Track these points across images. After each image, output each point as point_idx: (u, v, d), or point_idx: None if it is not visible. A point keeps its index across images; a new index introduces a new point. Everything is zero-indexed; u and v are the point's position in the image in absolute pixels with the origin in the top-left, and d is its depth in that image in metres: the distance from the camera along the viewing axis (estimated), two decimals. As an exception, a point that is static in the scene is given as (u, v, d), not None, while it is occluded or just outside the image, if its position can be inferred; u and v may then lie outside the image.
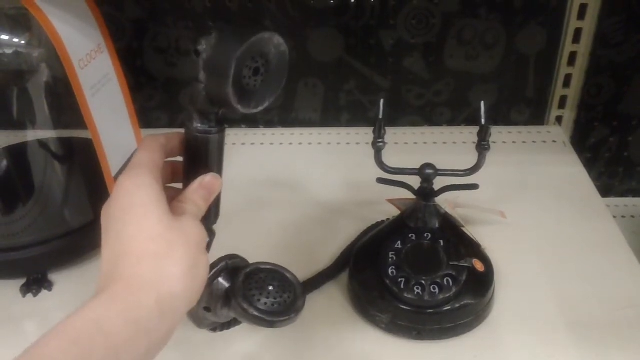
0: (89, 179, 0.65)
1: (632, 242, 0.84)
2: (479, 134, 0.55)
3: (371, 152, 0.58)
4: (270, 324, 0.43)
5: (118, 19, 0.80)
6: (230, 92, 0.37)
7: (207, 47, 0.37)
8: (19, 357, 0.30)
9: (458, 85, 0.86)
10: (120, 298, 0.34)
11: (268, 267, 0.46)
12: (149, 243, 0.36)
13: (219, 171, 0.43)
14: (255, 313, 0.42)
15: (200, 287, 0.38)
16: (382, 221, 0.65)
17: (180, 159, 0.44)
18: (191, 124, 0.41)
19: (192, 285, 0.37)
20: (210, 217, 0.43)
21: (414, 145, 0.85)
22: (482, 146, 0.55)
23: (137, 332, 0.33)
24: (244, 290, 0.43)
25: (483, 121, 0.55)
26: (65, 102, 0.60)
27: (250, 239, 0.64)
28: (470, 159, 0.57)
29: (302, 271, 0.62)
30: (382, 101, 0.57)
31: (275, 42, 0.38)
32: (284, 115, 0.89)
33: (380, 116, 0.56)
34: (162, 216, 0.37)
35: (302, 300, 0.45)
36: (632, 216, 0.91)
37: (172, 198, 0.41)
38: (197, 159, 0.42)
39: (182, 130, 0.42)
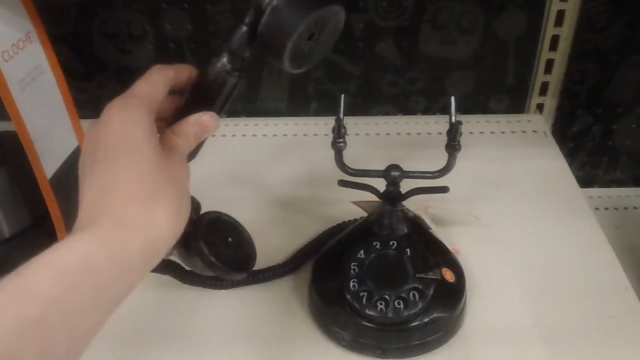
0: (23, 180, 0.58)
1: (615, 237, 0.80)
2: (449, 132, 0.50)
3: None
4: (225, 274, 0.43)
5: (62, 2, 0.74)
6: (289, 47, 0.38)
7: None
8: (2, 286, 0.29)
9: (433, 72, 0.80)
10: (108, 237, 0.34)
11: (229, 219, 0.46)
12: (139, 183, 0.36)
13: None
14: (213, 259, 0.42)
15: (182, 229, 0.38)
16: (349, 221, 0.61)
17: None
18: (217, 61, 0.41)
19: (176, 228, 0.37)
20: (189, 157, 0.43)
21: (386, 137, 0.80)
22: (453, 146, 0.50)
23: (121, 271, 0.33)
24: (205, 236, 0.43)
25: (453, 119, 0.50)
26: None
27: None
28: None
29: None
30: (342, 97, 0.51)
31: (339, 18, 0.40)
32: (248, 104, 0.83)
33: (341, 115, 0.51)
34: (153, 155, 0.37)
35: (253, 263, 0.46)
36: (616, 208, 0.87)
37: (160, 130, 0.40)
38: (205, 98, 0.42)
39: (189, 66, 0.42)
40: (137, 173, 0.36)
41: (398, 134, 0.80)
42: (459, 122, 0.50)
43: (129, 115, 0.37)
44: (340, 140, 0.51)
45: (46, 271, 0.31)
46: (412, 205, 0.58)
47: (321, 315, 0.53)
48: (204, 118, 0.41)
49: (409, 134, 0.80)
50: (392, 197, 0.54)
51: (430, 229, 0.59)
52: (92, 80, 0.80)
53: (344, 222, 0.62)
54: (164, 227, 0.36)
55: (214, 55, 0.41)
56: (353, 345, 0.51)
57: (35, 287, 0.30)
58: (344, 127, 0.51)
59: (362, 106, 0.83)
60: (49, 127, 0.56)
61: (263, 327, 0.54)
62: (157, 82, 0.40)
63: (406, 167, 0.54)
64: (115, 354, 0.51)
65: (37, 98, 0.54)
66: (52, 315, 0.29)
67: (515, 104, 0.83)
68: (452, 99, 0.49)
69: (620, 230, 0.82)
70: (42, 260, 0.31)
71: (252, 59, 0.42)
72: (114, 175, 0.35)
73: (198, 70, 0.43)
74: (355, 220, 0.60)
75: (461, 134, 0.49)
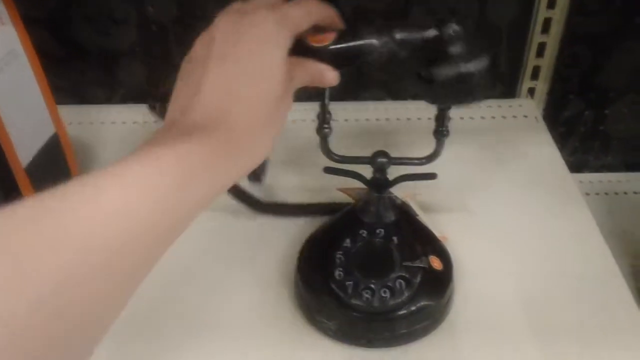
0: None
1: (606, 222, 0.79)
2: (437, 118, 0.48)
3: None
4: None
5: (38, -17, 0.71)
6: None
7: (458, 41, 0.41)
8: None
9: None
10: (219, 153, 0.33)
11: None
12: (262, 106, 0.35)
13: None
14: None
15: None
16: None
17: None
18: (379, 38, 0.40)
19: (262, 160, 0.37)
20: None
21: (376, 122, 0.78)
22: (441, 132, 0.48)
23: (210, 192, 0.33)
24: None
25: (441, 104, 0.48)
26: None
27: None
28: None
29: (238, 268, 0.56)
30: (327, 81, 0.50)
31: None
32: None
33: (326, 100, 0.49)
34: (280, 83, 0.36)
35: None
36: (607, 193, 0.86)
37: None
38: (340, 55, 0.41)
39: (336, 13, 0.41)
40: (264, 95, 0.35)
41: (387, 119, 0.79)
42: (447, 107, 0.48)
43: (278, 35, 0.36)
44: (326, 126, 0.50)
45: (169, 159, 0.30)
46: (400, 192, 0.57)
47: (307, 305, 0.52)
48: (330, 74, 0.40)
49: (398, 119, 0.78)
50: (379, 184, 0.53)
51: (418, 216, 0.57)
52: (71, 66, 0.78)
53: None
54: (259, 159, 0.36)
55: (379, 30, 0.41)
56: (339, 334, 0.50)
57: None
58: (329, 113, 0.50)
59: (351, 91, 0.81)
60: (24, 114, 0.54)
61: (248, 317, 0.53)
62: (310, 13, 0.39)
63: (396, 153, 0.52)
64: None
65: (11, 84, 0.52)
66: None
67: (507, 88, 0.81)
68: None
69: (612, 215, 0.82)
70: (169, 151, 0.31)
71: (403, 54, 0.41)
72: (242, 84, 0.35)
73: (345, 27, 0.42)
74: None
75: (449, 119, 0.48)
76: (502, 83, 0.81)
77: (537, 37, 0.76)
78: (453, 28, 0.41)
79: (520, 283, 0.56)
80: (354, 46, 0.41)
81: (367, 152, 0.53)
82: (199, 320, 0.53)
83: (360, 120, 0.79)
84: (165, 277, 0.54)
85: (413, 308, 0.49)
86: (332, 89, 0.46)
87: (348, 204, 0.56)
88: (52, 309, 0.24)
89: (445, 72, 0.42)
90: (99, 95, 0.81)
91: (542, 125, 0.76)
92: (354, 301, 0.48)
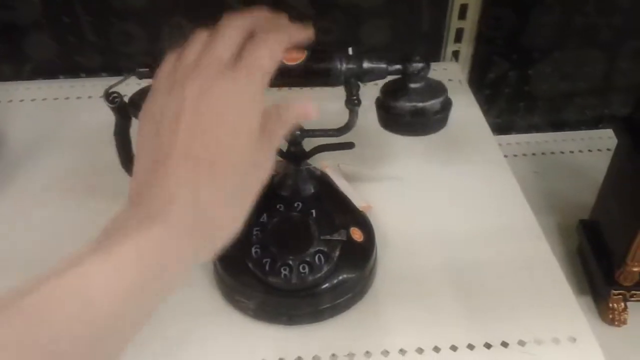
0: None
1: (533, 182, 0.81)
2: (347, 87, 0.46)
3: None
4: None
5: None
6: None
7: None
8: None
9: (347, 21, 0.76)
10: (190, 236, 0.31)
11: None
12: (237, 178, 0.33)
13: None
14: None
15: None
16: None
17: None
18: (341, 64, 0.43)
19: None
20: None
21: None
22: (352, 101, 0.47)
23: (174, 278, 0.31)
24: None
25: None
26: None
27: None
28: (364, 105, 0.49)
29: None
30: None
31: None
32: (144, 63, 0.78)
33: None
34: (256, 151, 0.33)
35: None
36: (534, 154, 0.87)
37: None
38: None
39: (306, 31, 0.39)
40: (238, 150, 0.32)
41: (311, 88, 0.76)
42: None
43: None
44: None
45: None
46: (322, 164, 0.56)
47: (225, 285, 0.50)
48: (311, 106, 0.37)
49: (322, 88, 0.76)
50: (296, 156, 0.51)
51: (339, 187, 0.56)
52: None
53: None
54: (233, 232, 0.33)
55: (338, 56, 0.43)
56: (258, 313, 0.49)
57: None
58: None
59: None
60: None
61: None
62: (278, 49, 0.35)
63: (314, 125, 0.51)
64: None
65: None
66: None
67: (431, 52, 0.81)
68: (350, 50, 0.46)
69: (538, 176, 0.83)
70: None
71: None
72: (219, 141, 0.32)
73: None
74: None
75: (359, 87, 0.46)
76: (426, 46, 0.80)
77: (458, -1, 0.76)
78: (417, 66, 0.44)
79: (444, 248, 0.56)
80: (324, 67, 0.43)
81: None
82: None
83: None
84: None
85: (334, 282, 0.48)
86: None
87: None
88: None
89: (401, 104, 0.45)
90: (5, 72, 0.76)
91: (466, 88, 0.76)
92: (272, 279, 0.47)
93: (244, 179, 0.33)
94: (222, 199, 0.32)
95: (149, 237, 0.29)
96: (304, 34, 0.39)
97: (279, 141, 0.36)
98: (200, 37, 0.36)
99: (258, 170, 0.34)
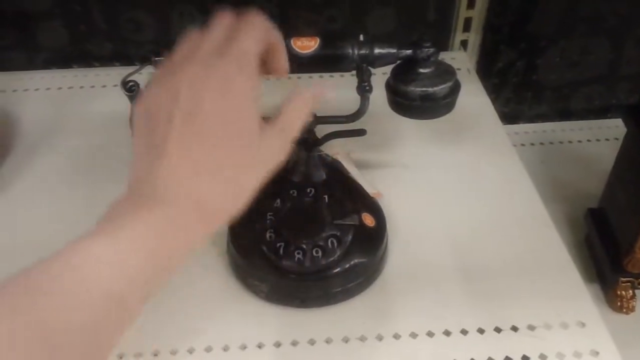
0: None
1: (540, 172, 0.81)
2: (358, 73, 0.47)
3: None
4: None
5: None
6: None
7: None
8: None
9: (353, 10, 0.77)
10: (189, 224, 0.32)
11: None
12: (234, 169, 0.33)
13: None
14: None
15: None
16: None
17: None
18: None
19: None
20: None
21: (308, 80, 0.77)
22: (363, 87, 0.47)
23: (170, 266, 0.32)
24: None
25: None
26: None
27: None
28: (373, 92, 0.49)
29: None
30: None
31: None
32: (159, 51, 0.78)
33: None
34: (251, 118, 0.34)
35: None
36: (541, 143, 0.88)
37: None
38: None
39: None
40: (240, 143, 0.33)
41: (321, 76, 0.77)
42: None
43: (251, 84, 0.34)
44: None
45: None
46: (333, 150, 0.56)
47: (239, 268, 0.51)
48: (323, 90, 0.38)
49: (331, 76, 0.77)
50: (308, 142, 0.52)
51: (350, 174, 0.57)
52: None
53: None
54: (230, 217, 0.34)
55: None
56: (271, 296, 0.50)
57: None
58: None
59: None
60: None
61: (179, 281, 0.52)
62: (259, 34, 0.36)
63: (325, 112, 0.51)
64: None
65: None
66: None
67: (439, 41, 0.81)
68: (361, 36, 0.46)
69: (546, 165, 0.83)
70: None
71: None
72: (220, 138, 0.33)
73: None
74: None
75: (371, 73, 0.47)
76: (434, 35, 0.80)
77: (467, -12, 0.76)
78: (427, 51, 0.45)
79: (454, 235, 0.56)
80: (337, 54, 0.44)
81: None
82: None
83: (292, 77, 0.77)
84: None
85: (346, 266, 0.49)
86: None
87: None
88: None
89: (411, 89, 0.45)
90: (18, 60, 0.77)
91: (474, 77, 0.77)
92: (286, 262, 0.48)
93: (243, 157, 0.34)
94: (221, 181, 0.33)
95: (150, 220, 0.30)
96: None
97: (295, 131, 0.37)
98: (191, 36, 0.37)
99: (263, 152, 0.35)
